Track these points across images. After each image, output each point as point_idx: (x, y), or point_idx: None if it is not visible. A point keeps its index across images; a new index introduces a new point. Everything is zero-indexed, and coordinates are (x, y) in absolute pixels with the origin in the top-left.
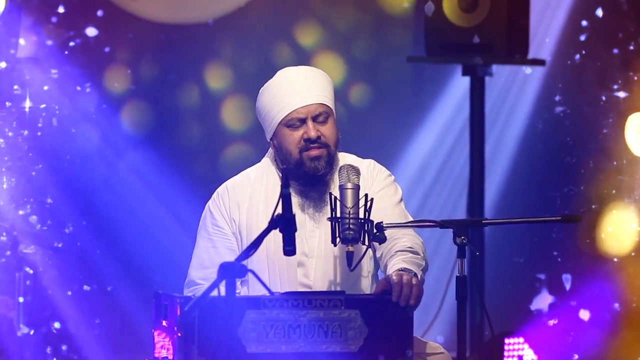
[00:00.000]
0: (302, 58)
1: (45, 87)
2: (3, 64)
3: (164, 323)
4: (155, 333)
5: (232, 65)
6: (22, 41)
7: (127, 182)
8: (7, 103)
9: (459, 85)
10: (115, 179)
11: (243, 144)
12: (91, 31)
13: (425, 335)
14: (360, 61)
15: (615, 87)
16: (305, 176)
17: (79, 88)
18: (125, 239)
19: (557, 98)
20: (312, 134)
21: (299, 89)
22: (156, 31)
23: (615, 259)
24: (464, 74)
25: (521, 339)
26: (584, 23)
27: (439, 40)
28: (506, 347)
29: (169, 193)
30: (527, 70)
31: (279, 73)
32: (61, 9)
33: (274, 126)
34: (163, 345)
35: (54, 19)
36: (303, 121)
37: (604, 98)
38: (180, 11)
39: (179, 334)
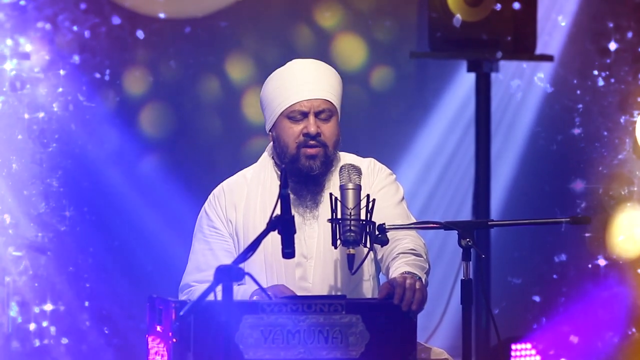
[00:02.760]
0: (317, 46)
1: (62, 72)
2: (28, 47)
3: (158, 328)
4: (150, 339)
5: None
6: (48, 26)
7: (132, 176)
8: (27, 86)
9: (464, 81)
10: (119, 171)
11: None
12: (115, 20)
13: (430, 340)
14: (361, 59)
15: (637, 112)
16: (299, 173)
17: (98, 75)
18: (123, 234)
19: (577, 120)
20: (312, 129)
21: (305, 81)
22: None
23: (617, 288)
24: (469, 70)
25: (528, 345)
26: (613, 46)
27: (443, 35)
28: (513, 354)
29: (169, 192)
30: (549, 89)
31: (288, 63)
32: None
33: (274, 116)
34: (157, 351)
35: (82, 6)
36: (305, 115)
37: (623, 122)
38: (181, 5)
39: (174, 340)
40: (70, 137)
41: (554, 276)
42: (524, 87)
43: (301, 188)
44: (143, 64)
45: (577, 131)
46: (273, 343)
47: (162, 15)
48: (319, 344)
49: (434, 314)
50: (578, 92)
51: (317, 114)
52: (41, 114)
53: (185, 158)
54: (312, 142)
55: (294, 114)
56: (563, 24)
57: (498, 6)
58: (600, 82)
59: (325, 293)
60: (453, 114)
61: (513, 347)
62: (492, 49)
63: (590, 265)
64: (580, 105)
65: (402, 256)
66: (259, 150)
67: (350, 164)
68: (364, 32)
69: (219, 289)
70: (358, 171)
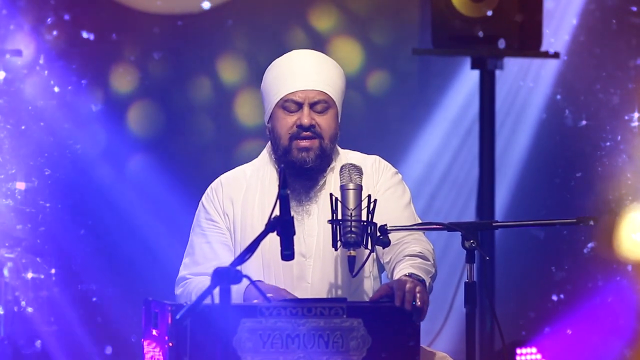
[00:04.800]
0: (318, 43)
1: (74, 65)
2: (23, 43)
3: (154, 332)
4: (145, 343)
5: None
6: (48, 20)
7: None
8: (22, 80)
9: (468, 79)
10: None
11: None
12: (110, 19)
13: (433, 344)
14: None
15: None
16: (292, 166)
17: (95, 73)
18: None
19: (587, 132)
20: (305, 121)
21: (302, 72)
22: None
23: (615, 305)
24: (473, 67)
25: (534, 349)
26: (632, 63)
27: (446, 32)
28: (518, 358)
29: (164, 191)
30: (559, 98)
31: (288, 54)
32: None
33: (271, 107)
34: (153, 355)
35: (84, 3)
36: (300, 106)
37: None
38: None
39: (170, 344)
40: (63, 134)
41: (553, 292)
42: (534, 90)
43: (293, 181)
44: (137, 63)
45: (585, 142)
46: (272, 347)
47: (157, 11)
48: (319, 348)
49: (437, 317)
50: (591, 107)
51: (312, 106)
52: (41, 102)
53: (178, 157)
54: (305, 134)
55: (288, 104)
56: (577, 32)
57: (502, 1)
58: (616, 99)
59: (324, 293)
60: (456, 112)
61: (518, 351)
62: (496, 45)
63: (589, 283)
64: (590, 120)
65: (408, 259)
66: (251, 152)
67: (351, 164)
68: (365, 29)
69: (217, 291)
70: (359, 171)
